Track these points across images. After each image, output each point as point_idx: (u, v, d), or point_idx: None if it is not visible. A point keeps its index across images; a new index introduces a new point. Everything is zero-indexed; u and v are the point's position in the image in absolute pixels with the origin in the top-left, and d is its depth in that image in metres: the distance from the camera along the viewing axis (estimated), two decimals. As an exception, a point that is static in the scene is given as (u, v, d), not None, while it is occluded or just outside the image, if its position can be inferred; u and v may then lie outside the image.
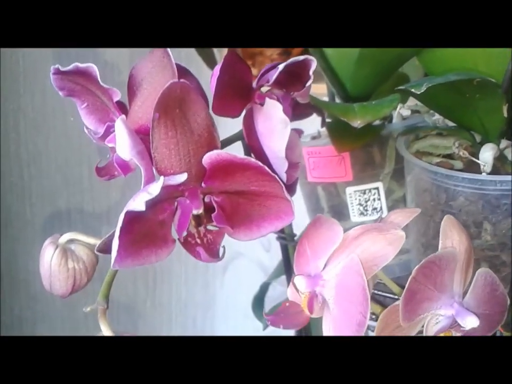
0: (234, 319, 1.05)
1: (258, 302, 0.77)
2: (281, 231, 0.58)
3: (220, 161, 0.30)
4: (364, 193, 0.56)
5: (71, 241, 0.36)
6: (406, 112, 0.59)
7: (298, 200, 0.61)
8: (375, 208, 0.57)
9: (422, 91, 0.37)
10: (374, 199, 0.57)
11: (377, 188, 0.56)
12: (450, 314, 0.31)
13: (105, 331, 0.32)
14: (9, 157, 0.94)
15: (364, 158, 0.56)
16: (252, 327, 1.04)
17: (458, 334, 0.31)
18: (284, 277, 0.66)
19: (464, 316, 0.31)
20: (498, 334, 0.36)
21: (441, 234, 0.33)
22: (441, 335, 0.32)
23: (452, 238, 0.33)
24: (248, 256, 1.02)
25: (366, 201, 0.57)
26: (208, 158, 0.30)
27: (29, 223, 0.97)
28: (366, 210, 0.57)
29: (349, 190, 0.57)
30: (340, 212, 0.59)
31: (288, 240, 0.58)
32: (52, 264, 0.35)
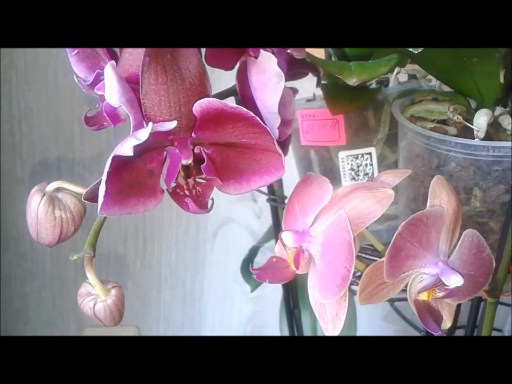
0: (223, 283, 1.06)
1: (247, 265, 0.78)
2: (272, 193, 0.58)
3: (211, 109, 0.29)
4: (356, 158, 0.56)
5: (58, 189, 0.36)
6: (403, 78, 0.59)
7: (291, 165, 0.61)
8: (366, 174, 0.56)
9: (420, 51, 0.37)
10: (366, 164, 0.56)
11: (369, 153, 0.56)
12: (434, 272, 0.31)
13: (92, 279, 0.32)
14: (0, 113, 0.93)
15: (358, 122, 0.55)
16: (240, 292, 1.05)
17: (442, 294, 0.32)
18: (274, 244, 0.66)
19: (448, 275, 0.31)
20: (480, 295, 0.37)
21: (430, 194, 0.33)
22: (425, 293, 0.32)
23: (440, 198, 0.33)
24: (239, 222, 1.03)
25: (358, 166, 0.57)
26: (199, 105, 0.29)
27: (19, 180, 0.97)
28: (358, 175, 0.57)
29: (342, 154, 0.56)
30: (331, 177, 0.58)
31: (278, 202, 0.58)
32: (39, 212, 0.35)
